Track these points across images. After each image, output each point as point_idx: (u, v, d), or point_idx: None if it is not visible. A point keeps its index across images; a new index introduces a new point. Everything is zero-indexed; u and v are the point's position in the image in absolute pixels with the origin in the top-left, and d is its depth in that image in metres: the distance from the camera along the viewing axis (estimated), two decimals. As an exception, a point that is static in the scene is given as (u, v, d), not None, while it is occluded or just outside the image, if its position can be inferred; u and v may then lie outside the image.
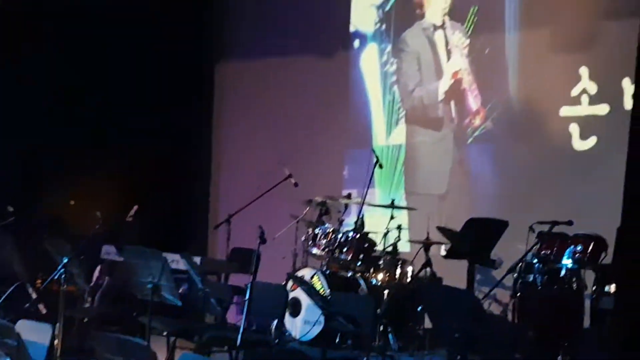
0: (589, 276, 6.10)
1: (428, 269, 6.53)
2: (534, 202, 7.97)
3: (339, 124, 9.82)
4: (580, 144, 8.01)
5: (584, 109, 7.99)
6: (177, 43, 9.86)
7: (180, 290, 5.51)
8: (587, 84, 7.97)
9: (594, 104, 7.93)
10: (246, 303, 5.33)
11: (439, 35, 9.18)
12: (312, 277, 6.77)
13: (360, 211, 7.03)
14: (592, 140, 7.94)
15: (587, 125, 7.96)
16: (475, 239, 6.48)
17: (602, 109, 7.88)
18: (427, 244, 6.96)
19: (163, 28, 9.68)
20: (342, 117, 9.84)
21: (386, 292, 6.90)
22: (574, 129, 8.04)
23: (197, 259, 6.81)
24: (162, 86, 9.76)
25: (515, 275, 6.07)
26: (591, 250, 5.95)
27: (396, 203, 7.89)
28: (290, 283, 6.70)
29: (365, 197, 7.02)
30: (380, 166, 7.10)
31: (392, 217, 7.27)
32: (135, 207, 7.48)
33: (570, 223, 6.03)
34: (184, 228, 9.61)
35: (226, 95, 10.70)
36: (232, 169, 10.36)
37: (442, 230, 6.56)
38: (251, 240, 7.57)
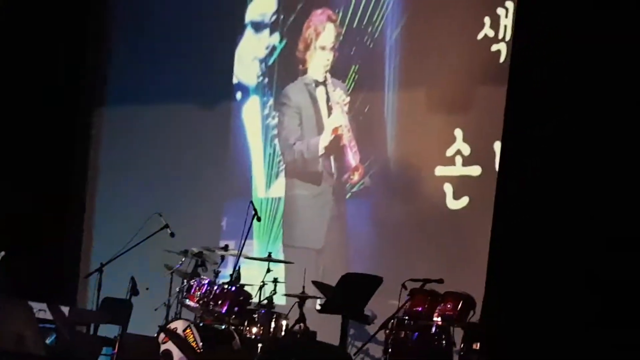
0: (458, 333, 6.25)
1: (302, 324, 6.56)
2: (408, 259, 8.13)
3: (219, 174, 9.82)
4: (454, 203, 8.23)
5: (458, 169, 8.23)
6: (55, 88, 9.71)
7: (47, 341, 5.35)
8: (461, 145, 8.23)
9: (467, 165, 8.18)
10: (115, 355, 5.22)
11: (320, 91, 9.34)
12: (185, 330, 6.70)
13: (236, 263, 7.01)
14: (464, 200, 8.17)
15: (461, 185, 8.20)
16: (349, 294, 6.55)
17: (475, 170, 8.14)
18: (302, 298, 6.99)
19: (38, 72, 9.54)
20: (222, 167, 9.85)
21: (260, 345, 6.89)
22: (448, 188, 8.26)
23: (66, 309, 6.64)
24: (36, 130, 9.57)
25: (387, 331, 6.16)
26: (460, 308, 6.10)
27: (274, 256, 7.92)
28: (162, 335, 6.60)
29: (242, 249, 7.02)
30: (258, 219, 7.14)
31: (268, 270, 7.29)
32: (2, 254, 7.26)
33: (441, 281, 6.18)
34: (53, 276, 9.36)
35: (104, 141, 10.55)
36: (106, 217, 10.20)
37: (318, 284, 6.61)
38: (123, 291, 7.50)
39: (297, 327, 6.61)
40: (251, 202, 7.37)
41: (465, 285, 6.54)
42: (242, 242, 7.06)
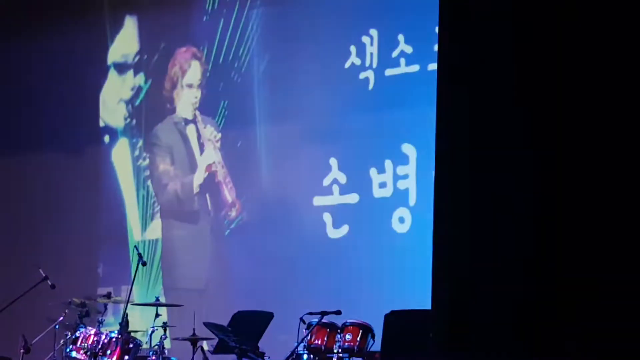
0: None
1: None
2: (294, 291, 8.12)
3: (92, 220, 9.57)
4: (334, 232, 8.29)
5: (336, 198, 8.30)
6: None
7: None
8: (337, 174, 8.31)
9: (344, 193, 8.26)
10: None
11: (190, 129, 9.26)
12: (74, 384, 6.48)
13: (125, 310, 6.83)
14: (344, 229, 8.23)
15: (339, 213, 8.26)
16: (242, 332, 6.48)
17: (353, 198, 8.22)
18: (194, 341, 6.86)
19: None
20: (94, 214, 9.61)
21: (153, 392, 6.72)
22: (327, 217, 8.31)
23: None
24: None
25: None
26: (360, 338, 6.12)
27: (153, 300, 7.75)
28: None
29: (130, 295, 6.85)
30: (144, 264, 6.99)
31: (157, 315, 7.13)
32: None
33: (338, 312, 6.19)
34: None
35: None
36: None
37: (209, 325, 6.51)
38: (5, 348, 7.18)
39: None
40: (135, 246, 7.21)
41: (359, 312, 6.56)
42: (130, 287, 6.89)
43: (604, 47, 3.77)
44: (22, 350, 5.41)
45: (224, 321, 7.01)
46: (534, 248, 3.86)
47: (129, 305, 6.78)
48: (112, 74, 9.86)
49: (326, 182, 8.35)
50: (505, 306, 3.65)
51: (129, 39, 9.75)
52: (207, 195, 9.04)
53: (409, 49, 8.01)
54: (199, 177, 9.09)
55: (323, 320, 6.16)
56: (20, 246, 9.56)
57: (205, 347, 7.26)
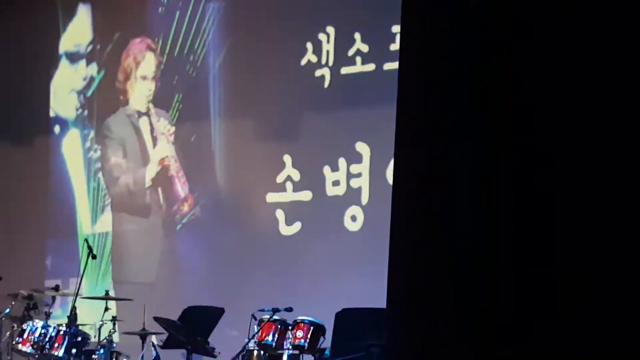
0: (310, 360, 6.29)
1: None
2: (245, 287, 8.08)
3: (40, 212, 9.44)
4: (287, 229, 8.26)
5: (289, 195, 8.27)
6: None
7: None
8: (291, 171, 8.29)
9: (298, 190, 8.24)
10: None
11: (144, 122, 9.17)
12: (20, 377, 6.38)
13: (73, 303, 6.75)
14: (297, 226, 8.22)
15: (292, 210, 8.24)
16: (192, 327, 6.44)
17: (306, 195, 8.20)
18: (143, 335, 6.80)
19: None
20: (43, 205, 9.49)
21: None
22: (280, 214, 8.29)
23: None
24: None
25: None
26: (311, 335, 6.12)
27: (102, 293, 7.66)
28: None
29: (78, 288, 6.77)
30: (94, 257, 6.90)
31: (106, 309, 7.06)
32: None
33: (290, 310, 6.18)
34: None
35: None
36: None
37: (159, 320, 6.46)
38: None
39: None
40: (86, 239, 7.12)
41: (311, 309, 6.56)
42: (79, 280, 6.80)
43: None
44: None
45: (174, 316, 6.95)
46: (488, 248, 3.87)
47: (77, 298, 6.68)
48: (64, 63, 9.74)
49: (280, 178, 8.32)
50: (466, 312, 3.65)
51: (82, 28, 9.63)
52: (159, 189, 8.96)
53: (365, 48, 8.01)
54: (151, 171, 9.01)
55: (274, 317, 6.14)
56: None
57: (155, 342, 7.20)
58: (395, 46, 7.78)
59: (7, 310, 7.22)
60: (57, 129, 9.64)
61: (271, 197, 8.35)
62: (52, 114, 9.69)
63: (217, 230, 8.58)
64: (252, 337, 6.01)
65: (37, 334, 6.75)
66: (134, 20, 9.31)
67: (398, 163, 4.08)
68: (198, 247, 8.66)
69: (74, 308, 6.70)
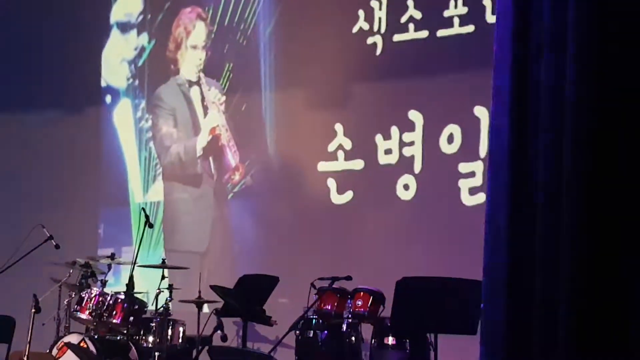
0: (369, 329, 6.27)
1: (219, 331, 6.42)
2: (297, 256, 8.09)
3: (93, 181, 9.53)
4: (338, 198, 8.24)
5: (340, 164, 8.24)
6: None
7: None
8: (342, 139, 8.25)
9: (349, 159, 8.21)
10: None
11: (194, 91, 9.18)
12: (79, 343, 6.45)
13: (132, 272, 6.80)
14: (348, 195, 8.19)
15: (344, 179, 8.22)
16: (248, 296, 6.47)
17: (358, 164, 8.17)
18: (199, 303, 6.85)
19: None
20: (96, 174, 9.57)
21: (157, 354, 6.71)
22: (332, 183, 8.26)
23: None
24: None
25: (297, 332, 6.11)
26: (370, 304, 6.11)
27: (156, 261, 7.72)
28: (55, 350, 6.34)
29: (136, 257, 6.81)
30: (151, 226, 6.93)
31: (163, 277, 7.10)
32: None
33: (349, 278, 6.17)
34: None
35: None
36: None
37: (215, 288, 6.49)
38: (9, 307, 7.15)
39: (218, 334, 6.45)
40: (143, 208, 7.15)
41: (367, 280, 6.54)
42: (137, 248, 6.85)
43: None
44: (33, 310, 5.37)
45: (226, 284, 6.98)
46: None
47: (134, 266, 6.73)
48: (115, 33, 9.76)
49: (331, 147, 8.28)
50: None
51: (133, -2, 9.64)
52: (211, 159, 8.98)
53: (418, 15, 7.91)
54: (202, 140, 9.03)
55: (334, 286, 6.14)
56: (23, 204, 9.51)
57: (206, 310, 7.24)
58: (448, 12, 7.70)
59: (65, 279, 7.30)
60: (108, 98, 9.69)
61: (322, 166, 8.33)
62: (103, 83, 9.74)
63: (269, 199, 8.58)
64: (312, 306, 6.02)
65: (95, 302, 6.82)
66: (185, -11, 9.30)
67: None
68: (249, 216, 8.68)
69: (131, 276, 6.74)
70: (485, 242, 4.18)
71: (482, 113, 7.33)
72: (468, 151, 7.45)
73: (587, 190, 3.83)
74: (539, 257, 3.97)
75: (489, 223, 4.18)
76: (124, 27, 9.71)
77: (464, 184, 7.49)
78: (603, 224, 3.76)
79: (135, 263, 6.64)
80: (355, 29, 8.23)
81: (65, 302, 7.25)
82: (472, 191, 7.42)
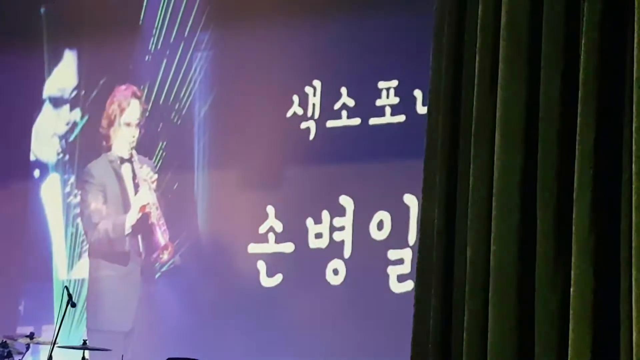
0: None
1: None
2: (224, 338, 8.00)
3: (15, 256, 9.32)
4: (267, 281, 8.20)
5: (271, 246, 8.23)
6: None
7: None
8: (273, 222, 8.25)
9: (280, 242, 8.20)
10: None
11: (126, 168, 9.11)
12: None
13: (51, 352, 6.62)
14: (278, 277, 8.16)
15: (274, 262, 8.19)
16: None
17: (288, 247, 8.16)
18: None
19: None
20: (18, 249, 9.37)
21: None
22: (262, 265, 8.23)
23: None
24: None
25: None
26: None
27: (77, 341, 7.55)
28: None
29: (56, 337, 6.64)
30: (73, 305, 6.79)
31: (83, 359, 6.93)
32: None
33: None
34: None
35: None
36: None
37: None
38: None
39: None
40: (66, 286, 7.00)
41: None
42: (57, 328, 6.68)
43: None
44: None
45: (149, 366, 6.87)
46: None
47: (54, 347, 6.56)
48: (48, 107, 9.69)
49: (262, 229, 8.27)
50: None
51: (68, 73, 9.60)
52: (139, 237, 8.88)
53: (351, 102, 8.05)
54: (131, 218, 8.93)
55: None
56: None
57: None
58: (380, 101, 7.85)
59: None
60: (36, 173, 9.56)
61: (253, 248, 8.30)
62: (32, 157, 9.62)
63: (197, 279, 8.50)
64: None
65: (11, 383, 6.61)
66: (120, 67, 9.31)
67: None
68: (177, 296, 8.57)
69: (50, 357, 6.56)
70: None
71: (411, 201, 7.42)
72: (397, 238, 7.51)
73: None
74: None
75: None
76: (57, 102, 9.65)
77: (392, 271, 7.53)
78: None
79: (55, 343, 6.46)
80: (289, 114, 8.33)
81: (-21, 383, 7.01)
82: (400, 278, 7.46)
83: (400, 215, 7.50)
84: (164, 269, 8.71)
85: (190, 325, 8.37)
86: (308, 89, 8.28)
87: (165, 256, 8.70)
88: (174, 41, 8.99)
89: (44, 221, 9.40)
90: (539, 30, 4.08)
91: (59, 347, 6.72)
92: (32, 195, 9.52)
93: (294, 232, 8.12)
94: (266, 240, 8.24)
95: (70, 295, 6.64)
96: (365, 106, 7.91)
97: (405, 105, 7.65)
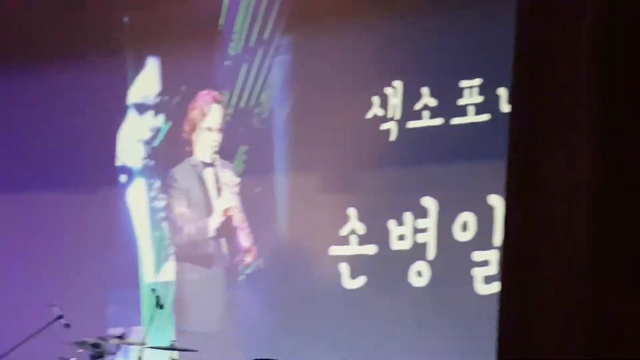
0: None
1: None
2: (306, 341, 8.03)
3: (103, 260, 9.49)
4: (350, 283, 8.21)
5: (353, 248, 8.24)
6: None
7: None
8: (355, 224, 8.26)
9: (362, 244, 8.20)
10: None
11: (208, 173, 9.23)
12: None
13: (139, 353, 6.75)
14: (361, 280, 8.16)
15: (356, 264, 8.20)
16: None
17: (370, 249, 8.16)
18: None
19: None
20: (106, 254, 9.54)
21: None
22: (344, 268, 8.24)
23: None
24: None
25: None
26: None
27: (165, 342, 7.67)
28: None
29: (146, 338, 6.77)
30: (161, 307, 6.91)
31: (171, 359, 7.05)
32: None
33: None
34: None
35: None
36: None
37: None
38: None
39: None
40: (153, 289, 7.14)
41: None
42: (146, 330, 6.80)
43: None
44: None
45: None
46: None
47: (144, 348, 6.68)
48: (132, 114, 9.87)
49: (344, 232, 8.29)
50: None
51: (150, 80, 9.76)
52: (223, 240, 8.98)
53: (432, 102, 8.01)
54: (215, 221, 9.04)
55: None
56: (34, 282, 9.49)
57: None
58: (463, 100, 7.79)
59: (73, 359, 7.24)
60: (123, 178, 9.74)
61: (335, 250, 8.32)
62: (118, 163, 9.80)
63: (280, 282, 8.55)
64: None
65: (103, 383, 6.75)
66: (201, 72, 9.42)
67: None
68: (260, 298, 8.64)
69: (140, 358, 6.68)
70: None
71: (496, 201, 7.35)
72: (482, 239, 7.45)
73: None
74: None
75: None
76: (141, 109, 9.82)
77: (478, 273, 7.47)
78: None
79: (144, 344, 6.57)
80: (369, 115, 8.32)
81: (73, 383, 7.18)
82: (487, 280, 7.39)
83: (485, 216, 7.43)
84: (247, 271, 8.79)
85: (274, 328, 8.43)
86: (388, 90, 8.27)
87: (248, 259, 8.78)
88: (253, 46, 9.07)
89: (130, 225, 9.57)
90: (626, 27, 3.99)
91: (148, 347, 6.82)
92: (119, 200, 9.70)
93: (376, 234, 8.12)
94: (348, 243, 8.25)
95: (157, 297, 6.76)
96: (448, 106, 7.86)
97: (489, 104, 7.58)
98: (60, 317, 7.01)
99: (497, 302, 4.41)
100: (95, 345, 7.19)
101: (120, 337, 7.41)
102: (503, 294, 4.37)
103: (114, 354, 7.35)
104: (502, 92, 7.49)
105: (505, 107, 7.39)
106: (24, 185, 9.99)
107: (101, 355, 7.13)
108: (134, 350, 7.82)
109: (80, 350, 7.28)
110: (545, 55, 4.40)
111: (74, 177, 9.82)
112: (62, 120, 9.93)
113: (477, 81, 7.71)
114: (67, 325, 6.95)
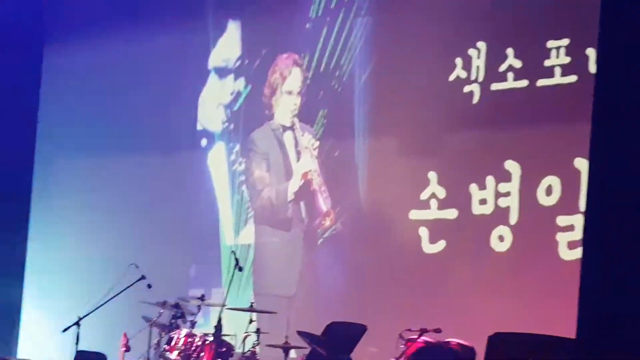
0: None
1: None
2: (383, 304, 7.98)
3: (185, 222, 9.60)
4: (430, 247, 8.11)
5: (433, 212, 8.12)
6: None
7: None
8: (436, 188, 8.14)
9: (442, 208, 8.08)
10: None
11: (288, 136, 9.21)
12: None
13: (220, 314, 6.80)
14: (441, 244, 8.05)
15: (436, 229, 8.08)
16: (335, 344, 6.38)
17: (451, 214, 8.03)
18: (286, 348, 6.79)
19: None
20: (188, 216, 9.64)
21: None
22: (424, 232, 8.14)
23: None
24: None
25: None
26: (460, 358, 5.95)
27: (244, 304, 7.70)
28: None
29: (225, 299, 6.81)
30: (240, 269, 6.93)
31: (251, 321, 7.08)
32: None
33: (438, 331, 6.04)
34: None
35: (69, 192, 10.31)
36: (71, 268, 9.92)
37: (303, 334, 6.42)
38: (101, 344, 7.23)
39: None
40: (233, 251, 7.17)
41: (453, 332, 6.37)
42: (226, 291, 6.85)
43: None
44: (123, 349, 5.40)
45: (312, 330, 6.91)
46: None
47: (223, 309, 6.72)
48: (213, 78, 9.89)
49: (424, 196, 8.17)
50: None
51: (231, 44, 9.76)
52: (302, 203, 8.97)
53: (517, 64, 7.80)
54: (294, 185, 9.03)
55: (422, 338, 6.00)
56: (118, 244, 9.65)
57: (293, 355, 7.18)
58: (549, 62, 7.57)
59: (155, 318, 7.34)
60: (203, 142, 9.80)
61: (414, 214, 8.22)
62: (199, 127, 9.85)
63: (359, 246, 8.50)
64: (400, 357, 5.89)
65: (184, 343, 6.82)
66: (282, 36, 9.38)
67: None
68: (339, 262, 8.61)
69: (220, 319, 6.73)
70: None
71: (582, 165, 7.14)
72: (567, 204, 7.26)
73: None
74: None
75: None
76: (222, 72, 9.83)
77: (562, 238, 7.29)
78: None
79: (224, 305, 6.61)
80: (452, 77, 8.15)
81: (154, 342, 7.28)
82: (571, 245, 7.21)
83: (570, 180, 7.23)
84: (326, 235, 8.76)
85: (352, 291, 8.40)
86: (472, 51, 8.08)
87: (327, 222, 8.75)
88: (334, 8, 8.97)
89: (211, 189, 9.63)
90: None
91: (228, 308, 6.87)
92: (200, 164, 9.76)
93: (457, 198, 7.98)
94: (428, 207, 8.14)
95: (237, 260, 6.78)
96: (533, 67, 7.64)
97: (576, 64, 7.34)
98: (142, 277, 7.08)
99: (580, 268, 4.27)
100: (176, 306, 7.27)
101: (201, 298, 7.47)
102: (585, 260, 4.22)
103: (194, 314, 7.41)
104: (591, 53, 7.24)
105: (593, 69, 7.15)
106: (108, 148, 10.14)
107: (182, 315, 7.20)
108: (214, 311, 7.89)
109: (162, 310, 7.37)
110: (633, 17, 4.19)
111: (156, 140, 9.92)
112: (143, 85, 10.03)
113: (565, 41, 7.48)
114: (149, 286, 7.03)
